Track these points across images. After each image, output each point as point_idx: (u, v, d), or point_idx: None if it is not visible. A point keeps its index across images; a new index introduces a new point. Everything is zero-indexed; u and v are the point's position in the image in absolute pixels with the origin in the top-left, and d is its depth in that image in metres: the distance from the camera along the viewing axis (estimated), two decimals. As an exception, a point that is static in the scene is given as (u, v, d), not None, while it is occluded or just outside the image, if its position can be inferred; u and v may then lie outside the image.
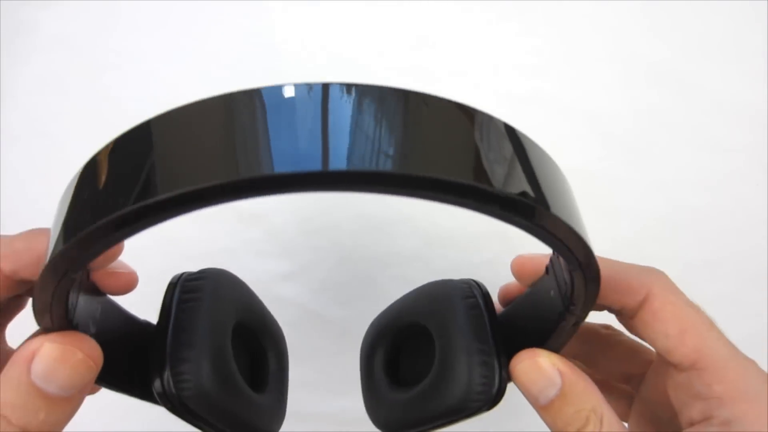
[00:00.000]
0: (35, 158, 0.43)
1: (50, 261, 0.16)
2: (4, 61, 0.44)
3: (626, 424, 0.27)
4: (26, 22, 0.44)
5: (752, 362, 0.22)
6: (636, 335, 0.24)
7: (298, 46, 0.43)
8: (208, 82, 0.43)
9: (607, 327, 0.28)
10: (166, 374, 0.21)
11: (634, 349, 0.27)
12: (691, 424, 0.22)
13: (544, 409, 0.21)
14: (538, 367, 0.21)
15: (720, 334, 0.22)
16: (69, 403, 0.19)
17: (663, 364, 0.24)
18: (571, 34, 0.43)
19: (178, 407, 0.21)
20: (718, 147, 0.41)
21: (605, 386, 0.28)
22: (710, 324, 0.22)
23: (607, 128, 0.42)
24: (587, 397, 0.20)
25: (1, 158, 0.42)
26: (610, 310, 0.24)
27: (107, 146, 0.16)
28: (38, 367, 0.18)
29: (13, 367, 0.18)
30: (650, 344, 0.23)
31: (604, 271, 0.19)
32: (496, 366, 0.23)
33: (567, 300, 0.21)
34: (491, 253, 0.40)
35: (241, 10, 0.44)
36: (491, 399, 0.23)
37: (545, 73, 0.42)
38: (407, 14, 0.43)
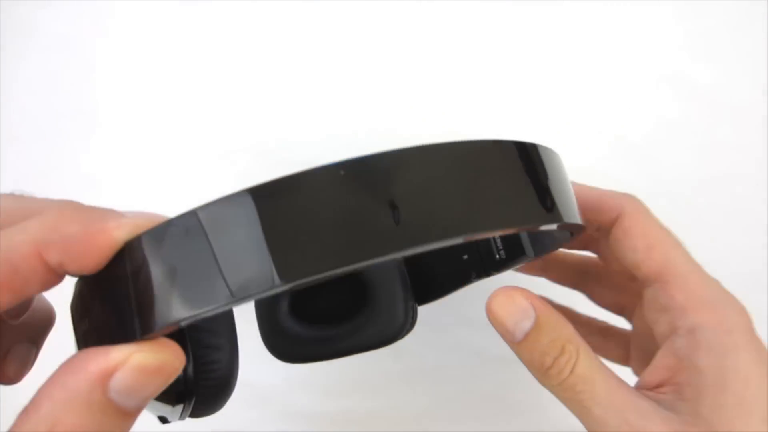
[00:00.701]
0: (35, 158, 0.43)
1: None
2: (3, 61, 0.44)
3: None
4: (25, 22, 0.44)
5: (715, 280, 0.23)
6: (612, 255, 0.25)
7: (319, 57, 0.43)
8: (209, 82, 0.43)
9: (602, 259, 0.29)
10: None
11: (626, 280, 0.28)
12: (663, 340, 0.23)
13: (520, 345, 0.21)
14: (513, 300, 0.21)
15: (685, 252, 0.23)
16: (138, 414, 0.16)
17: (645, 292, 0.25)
18: (571, 33, 0.43)
19: None
20: (718, 147, 0.41)
21: (605, 332, 0.30)
22: (677, 243, 0.24)
23: (608, 128, 0.42)
24: (561, 328, 0.21)
25: (1, 158, 0.42)
26: (589, 232, 0.26)
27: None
28: (123, 381, 0.15)
29: (77, 384, 0.15)
30: (622, 261, 0.24)
31: (584, 193, 0.22)
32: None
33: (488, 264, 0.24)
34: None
35: (242, 10, 0.44)
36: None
37: (548, 74, 0.43)
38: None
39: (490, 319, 0.21)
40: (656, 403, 0.21)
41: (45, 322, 0.22)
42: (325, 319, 0.28)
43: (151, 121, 0.43)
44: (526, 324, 0.20)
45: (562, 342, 0.20)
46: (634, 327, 0.28)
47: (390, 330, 0.28)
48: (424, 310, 0.32)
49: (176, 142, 0.43)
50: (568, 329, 0.21)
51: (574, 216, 0.19)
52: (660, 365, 0.22)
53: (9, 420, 0.15)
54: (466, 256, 0.29)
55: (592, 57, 0.43)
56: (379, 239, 0.14)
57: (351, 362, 0.31)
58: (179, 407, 0.21)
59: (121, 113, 0.43)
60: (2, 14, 0.44)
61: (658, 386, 0.22)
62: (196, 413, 0.23)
